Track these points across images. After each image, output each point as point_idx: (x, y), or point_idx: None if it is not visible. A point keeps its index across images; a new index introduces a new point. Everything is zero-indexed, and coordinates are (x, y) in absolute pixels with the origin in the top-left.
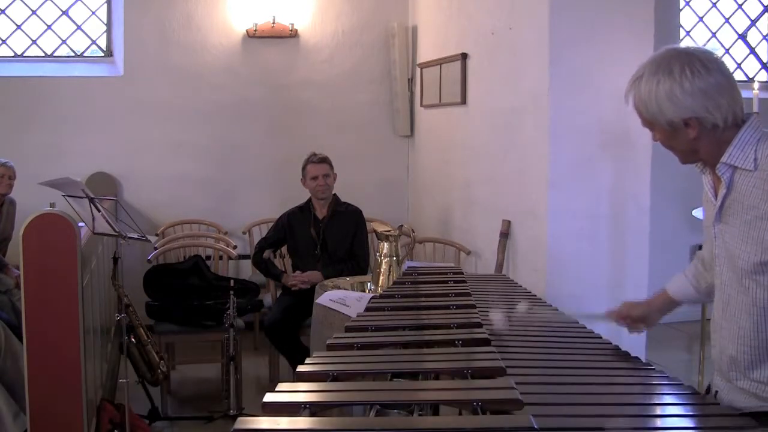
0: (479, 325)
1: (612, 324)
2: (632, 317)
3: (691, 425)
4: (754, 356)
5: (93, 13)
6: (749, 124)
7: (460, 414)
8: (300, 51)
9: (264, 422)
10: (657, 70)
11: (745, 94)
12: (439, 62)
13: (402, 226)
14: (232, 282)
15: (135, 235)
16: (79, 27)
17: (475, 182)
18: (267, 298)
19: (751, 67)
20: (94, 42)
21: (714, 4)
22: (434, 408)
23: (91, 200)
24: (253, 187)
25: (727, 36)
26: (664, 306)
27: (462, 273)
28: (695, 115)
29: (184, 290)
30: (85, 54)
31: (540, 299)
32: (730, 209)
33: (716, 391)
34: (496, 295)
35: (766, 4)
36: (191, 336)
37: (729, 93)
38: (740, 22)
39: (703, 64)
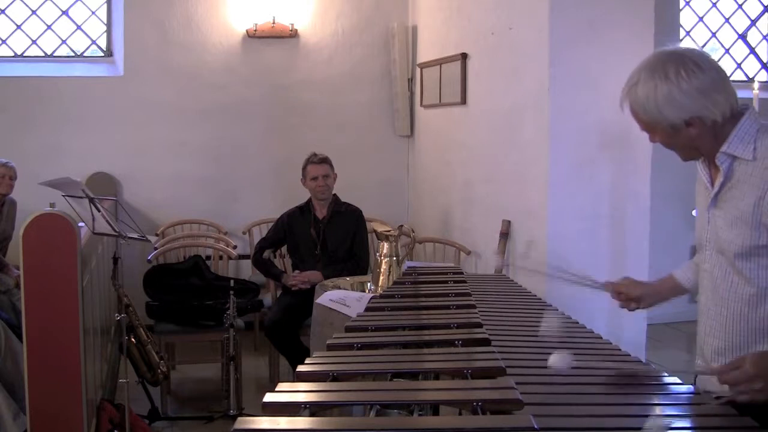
0: (479, 325)
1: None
2: (628, 294)
3: (691, 425)
4: (742, 340)
5: (93, 13)
6: (748, 116)
7: (460, 414)
8: (300, 51)
9: (264, 422)
10: (652, 74)
11: (745, 94)
12: (439, 62)
13: (402, 226)
14: (232, 282)
15: (135, 235)
16: (79, 27)
17: (475, 182)
18: (267, 298)
19: (751, 67)
20: (94, 42)
21: (714, 4)
22: (434, 408)
23: (91, 200)
24: (253, 187)
25: (727, 36)
26: (667, 291)
27: (462, 273)
28: (696, 115)
29: (184, 290)
30: (85, 54)
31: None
32: (725, 196)
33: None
34: (496, 295)
35: (766, 4)
36: (191, 336)
37: (724, 88)
38: (740, 22)
39: (695, 63)
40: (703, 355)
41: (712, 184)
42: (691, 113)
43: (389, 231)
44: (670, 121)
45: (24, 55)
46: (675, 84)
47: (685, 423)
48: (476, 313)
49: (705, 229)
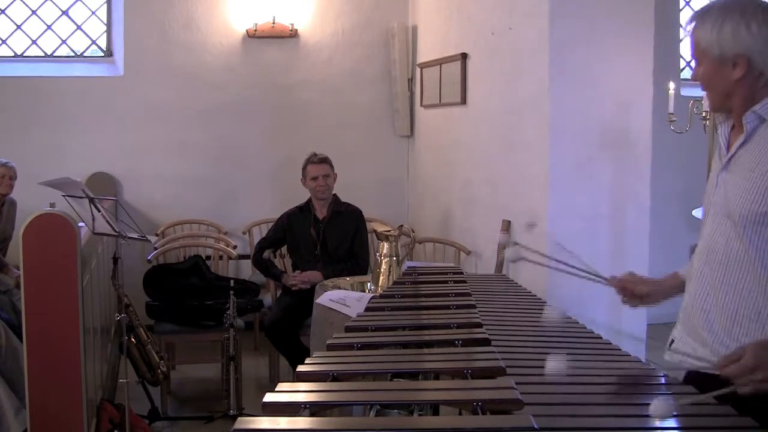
0: (479, 325)
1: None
2: (633, 291)
3: (691, 426)
4: (733, 308)
5: (93, 13)
6: None
7: (460, 414)
8: (300, 51)
9: (264, 422)
10: (729, 6)
11: None
12: (439, 62)
13: (402, 226)
14: (232, 282)
15: (135, 235)
16: (79, 27)
17: (475, 182)
18: (267, 298)
19: None
20: (94, 42)
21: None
22: (434, 408)
23: (91, 200)
24: (253, 187)
25: None
26: (671, 289)
27: (462, 273)
28: (749, 55)
29: (184, 290)
30: (85, 54)
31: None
32: (740, 159)
33: (672, 340)
34: (496, 295)
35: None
36: (191, 336)
37: None
38: None
39: None
40: (689, 321)
41: (728, 149)
42: (745, 51)
43: (389, 231)
44: (723, 51)
45: (24, 55)
46: (745, 21)
47: (684, 423)
48: (476, 313)
49: (712, 193)
